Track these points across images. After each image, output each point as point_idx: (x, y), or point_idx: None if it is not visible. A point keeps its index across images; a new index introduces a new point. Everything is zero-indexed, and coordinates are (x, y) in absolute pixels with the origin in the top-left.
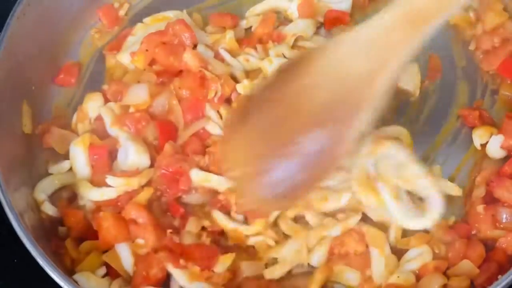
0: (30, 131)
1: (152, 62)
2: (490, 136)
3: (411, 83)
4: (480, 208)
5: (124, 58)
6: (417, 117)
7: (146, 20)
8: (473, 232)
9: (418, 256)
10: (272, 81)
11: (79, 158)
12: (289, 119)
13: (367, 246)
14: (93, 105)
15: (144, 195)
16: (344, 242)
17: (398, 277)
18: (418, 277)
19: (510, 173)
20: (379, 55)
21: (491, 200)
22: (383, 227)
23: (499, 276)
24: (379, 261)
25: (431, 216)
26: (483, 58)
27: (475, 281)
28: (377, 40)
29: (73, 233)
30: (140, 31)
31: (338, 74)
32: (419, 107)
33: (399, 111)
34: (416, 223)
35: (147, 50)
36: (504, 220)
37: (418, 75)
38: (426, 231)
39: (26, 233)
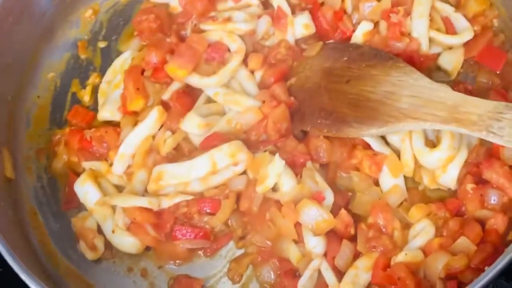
0: (12, 176)
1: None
2: None
3: (452, 64)
4: (469, 186)
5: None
6: None
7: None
8: (463, 209)
9: (422, 231)
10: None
11: (91, 194)
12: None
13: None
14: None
15: None
16: (355, 154)
17: (406, 254)
18: (424, 255)
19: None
20: (417, 109)
21: (481, 180)
22: None
23: (486, 268)
24: (387, 179)
25: (444, 148)
26: (463, 45)
27: (472, 261)
28: (424, 101)
29: None
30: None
31: (390, 90)
32: None
33: None
34: (430, 156)
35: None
36: (492, 202)
37: (461, 59)
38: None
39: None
